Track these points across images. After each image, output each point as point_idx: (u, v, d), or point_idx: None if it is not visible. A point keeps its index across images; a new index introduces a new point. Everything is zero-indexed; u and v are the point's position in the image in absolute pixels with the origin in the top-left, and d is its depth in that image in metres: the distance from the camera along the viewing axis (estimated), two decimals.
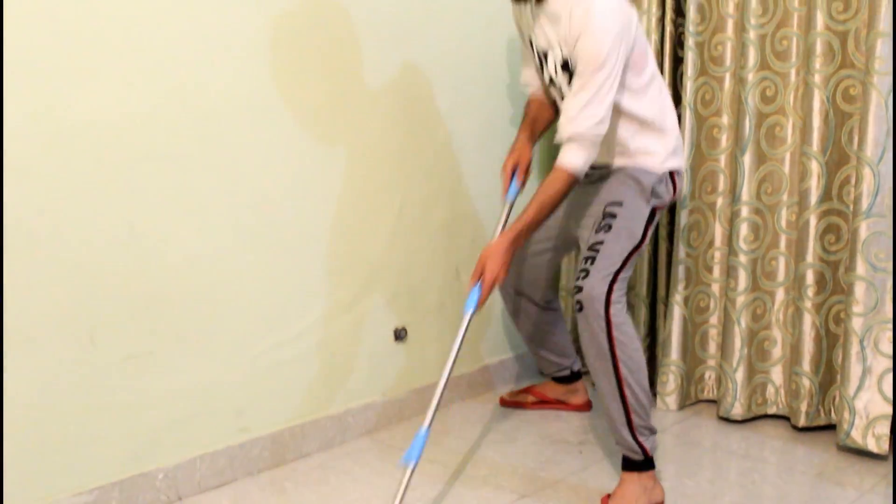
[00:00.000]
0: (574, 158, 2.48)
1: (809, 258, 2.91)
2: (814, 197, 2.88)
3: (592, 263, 2.51)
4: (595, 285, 2.45)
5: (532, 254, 2.97)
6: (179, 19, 2.38)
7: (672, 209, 3.25)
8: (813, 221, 2.89)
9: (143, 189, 2.37)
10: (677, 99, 3.21)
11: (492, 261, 2.50)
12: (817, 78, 2.83)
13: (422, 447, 2.35)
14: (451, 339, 2.54)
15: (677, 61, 3.21)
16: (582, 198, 2.74)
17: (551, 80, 2.68)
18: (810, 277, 2.92)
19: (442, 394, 2.46)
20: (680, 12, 3.19)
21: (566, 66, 2.57)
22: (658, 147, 2.66)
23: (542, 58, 2.66)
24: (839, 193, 2.87)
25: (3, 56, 2.06)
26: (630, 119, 2.63)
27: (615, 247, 2.53)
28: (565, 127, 2.49)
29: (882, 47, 2.66)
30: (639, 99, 2.61)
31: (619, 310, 2.48)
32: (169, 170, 2.41)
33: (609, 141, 2.63)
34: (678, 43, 3.21)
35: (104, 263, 2.31)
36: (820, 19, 2.80)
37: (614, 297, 2.46)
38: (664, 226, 3.28)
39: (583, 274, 2.50)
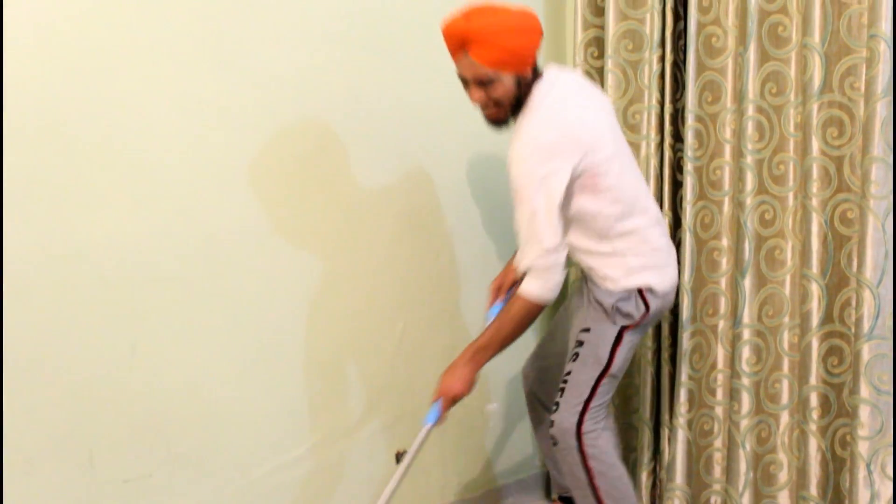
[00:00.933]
0: (530, 287, 2.46)
1: (813, 380, 2.90)
2: (815, 319, 2.89)
3: (562, 395, 2.52)
4: (565, 418, 2.46)
5: (549, 364, 2.91)
6: (185, 143, 2.43)
7: (674, 331, 3.25)
8: (815, 344, 2.89)
9: (146, 311, 2.38)
10: (677, 222, 3.24)
11: (448, 375, 2.52)
12: (815, 201, 2.87)
13: None
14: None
15: (677, 185, 3.26)
16: (570, 319, 2.75)
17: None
18: (814, 400, 2.90)
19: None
20: (678, 137, 3.25)
21: None
22: (613, 270, 2.57)
23: None
24: (840, 315, 2.88)
25: (5, 173, 2.09)
26: (580, 239, 2.58)
27: (582, 376, 2.53)
28: (518, 259, 2.48)
29: (877, 171, 2.70)
30: (593, 219, 2.54)
31: (592, 439, 2.46)
32: (172, 293, 2.43)
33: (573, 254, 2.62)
34: (677, 167, 3.26)
35: (105, 385, 2.30)
36: (815, 145, 2.86)
37: (585, 427, 2.45)
38: (666, 348, 3.28)
39: (554, 408, 2.52)
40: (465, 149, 3.20)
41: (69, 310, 2.23)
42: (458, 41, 2.41)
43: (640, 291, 2.59)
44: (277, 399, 2.69)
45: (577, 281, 2.91)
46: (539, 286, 2.45)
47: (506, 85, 2.45)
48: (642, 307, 2.60)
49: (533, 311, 2.49)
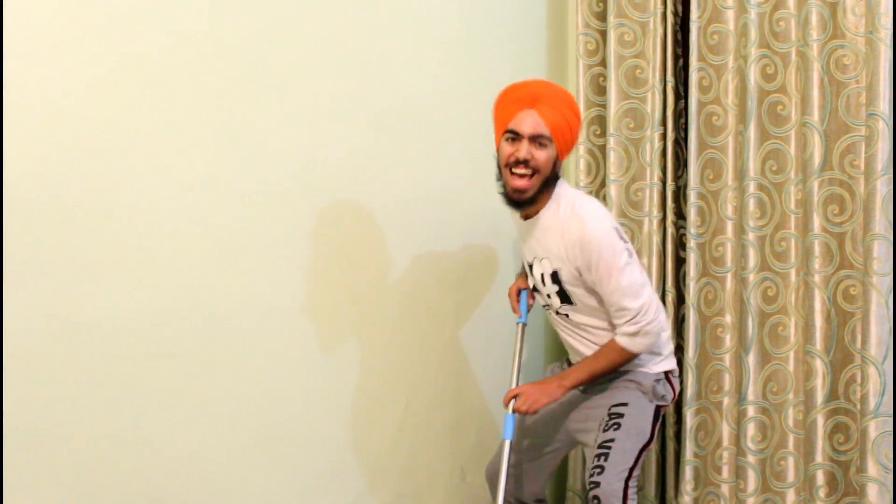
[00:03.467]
0: (635, 343, 2.56)
1: (819, 458, 2.88)
2: (820, 396, 2.88)
3: (606, 459, 2.49)
4: (612, 481, 2.44)
5: (533, 458, 2.87)
6: (189, 218, 2.44)
7: (678, 408, 3.23)
8: (820, 421, 2.88)
9: (149, 386, 2.37)
10: (681, 299, 3.25)
11: (534, 388, 2.60)
12: (817, 278, 2.88)
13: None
14: None
15: (679, 262, 3.27)
16: (582, 402, 2.73)
17: (535, 288, 2.75)
18: (821, 478, 2.88)
19: None
20: (681, 215, 3.27)
21: (555, 278, 2.62)
22: (649, 357, 2.68)
23: (529, 268, 2.74)
24: (846, 392, 2.87)
25: (7, 246, 2.10)
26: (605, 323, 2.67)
27: (627, 444, 2.53)
28: (620, 313, 2.55)
29: (879, 248, 2.72)
30: None
31: None
32: (175, 368, 2.42)
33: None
34: (680, 244, 3.27)
35: (108, 459, 2.28)
36: (817, 221, 2.88)
37: (630, 493, 2.45)
38: (671, 426, 3.26)
39: (598, 470, 2.48)
40: (469, 227, 3.22)
41: (71, 384, 2.22)
42: (531, 96, 2.55)
43: (666, 375, 2.69)
44: (279, 475, 2.66)
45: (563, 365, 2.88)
46: (643, 342, 2.56)
47: (550, 155, 2.55)
48: (670, 390, 2.70)
49: (627, 358, 2.59)
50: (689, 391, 3.16)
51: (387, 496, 2.96)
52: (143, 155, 2.35)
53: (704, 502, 3.15)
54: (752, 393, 3.02)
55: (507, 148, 2.56)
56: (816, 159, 2.87)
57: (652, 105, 3.26)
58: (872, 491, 2.73)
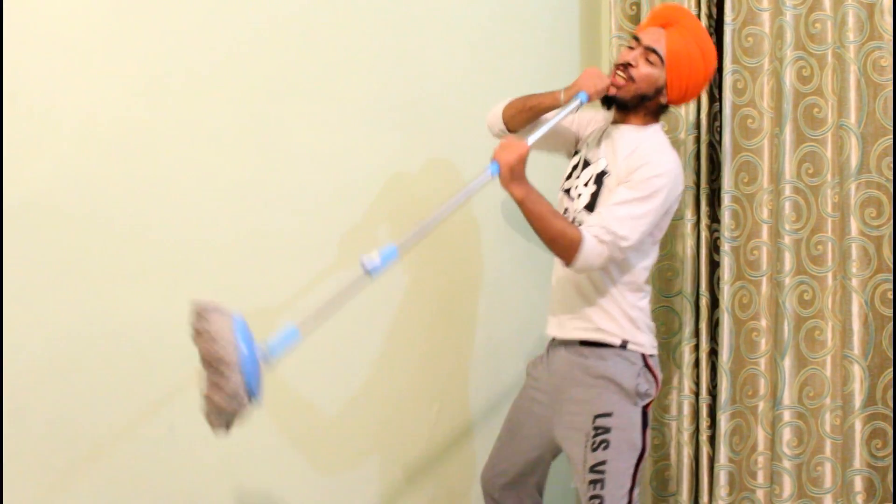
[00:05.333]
0: (589, 247, 2.40)
1: (857, 464, 2.84)
2: (857, 401, 2.85)
3: (603, 487, 2.43)
4: None
5: (524, 460, 2.73)
6: (222, 223, 2.47)
7: (713, 412, 3.21)
8: (858, 426, 2.84)
9: (185, 390, 2.38)
10: (714, 303, 3.23)
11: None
12: (854, 282, 2.85)
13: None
14: None
15: (713, 266, 3.25)
16: (564, 405, 2.60)
17: (568, 191, 2.68)
18: (859, 484, 2.84)
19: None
20: (715, 218, 3.25)
21: (599, 179, 2.58)
22: (640, 317, 2.62)
23: (580, 166, 2.67)
24: (883, 397, 2.84)
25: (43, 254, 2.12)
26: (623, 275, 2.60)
27: (620, 464, 2.45)
28: (605, 218, 2.44)
29: None
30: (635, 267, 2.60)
31: None
32: None
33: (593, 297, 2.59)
34: (714, 248, 3.25)
35: (143, 463, 2.30)
36: (854, 225, 2.85)
37: None
38: (705, 430, 3.24)
39: (596, 501, 2.43)
40: (501, 228, 3.22)
41: (108, 387, 2.24)
42: (668, 17, 2.63)
43: (646, 363, 2.59)
44: (312, 479, 2.67)
45: (546, 357, 2.74)
46: (594, 254, 2.41)
47: (654, 77, 2.59)
48: (652, 380, 2.60)
49: (564, 253, 2.42)
50: (724, 396, 3.14)
51: (421, 498, 2.96)
52: (178, 160, 2.37)
53: None
54: (787, 397, 2.99)
55: (624, 52, 2.64)
56: (853, 162, 2.84)
57: (686, 108, 3.24)
58: None
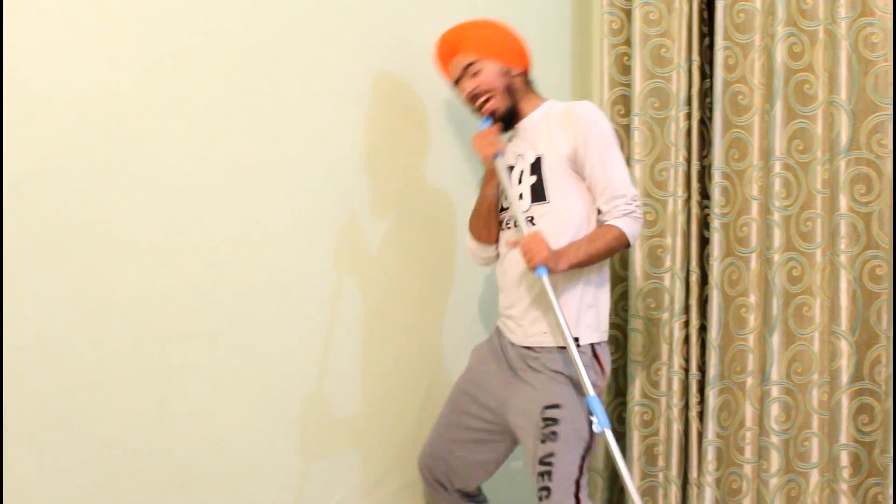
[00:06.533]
0: (629, 227, 2.52)
1: (843, 439, 2.87)
2: (845, 377, 2.86)
3: (550, 479, 2.42)
4: (562, 501, 2.39)
5: (469, 438, 2.74)
6: (214, 201, 2.46)
7: (702, 388, 3.23)
8: (845, 402, 2.86)
9: (174, 367, 2.39)
10: (704, 279, 3.24)
11: (546, 246, 2.45)
12: (843, 258, 2.86)
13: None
14: None
15: (704, 242, 3.26)
16: (519, 391, 2.60)
17: (502, 207, 2.69)
18: (845, 459, 2.86)
19: None
20: (705, 195, 3.26)
21: (535, 167, 2.59)
22: (594, 303, 2.61)
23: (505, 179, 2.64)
24: (870, 373, 2.86)
25: (31, 231, 2.12)
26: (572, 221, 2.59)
27: (568, 455, 2.44)
28: (615, 199, 2.52)
29: None
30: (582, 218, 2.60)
31: None
32: (200, 349, 2.44)
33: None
34: (704, 224, 3.26)
35: (133, 440, 2.30)
36: (843, 201, 2.86)
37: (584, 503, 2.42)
38: (694, 406, 3.25)
39: (544, 493, 2.42)
40: None
41: (97, 364, 2.24)
42: (450, 45, 2.73)
43: (594, 352, 2.57)
44: (304, 454, 2.68)
45: (492, 342, 2.77)
46: (636, 228, 2.55)
47: (491, 71, 2.66)
48: (600, 369, 2.58)
49: (622, 246, 2.55)
50: (713, 371, 3.15)
51: (410, 475, 2.98)
52: (170, 137, 2.36)
53: (727, 482, 3.15)
54: (776, 373, 3.01)
55: (462, 94, 2.71)
56: (843, 138, 2.85)
57: (677, 84, 3.25)
58: None
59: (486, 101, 2.65)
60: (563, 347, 2.51)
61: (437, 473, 2.78)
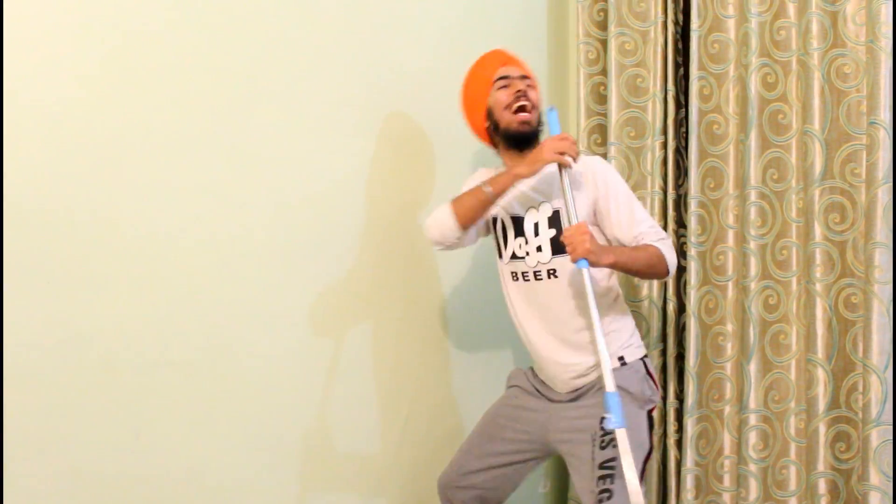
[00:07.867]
0: (669, 255, 2.54)
1: (821, 467, 2.87)
2: (822, 404, 2.87)
3: (612, 482, 2.43)
4: (626, 500, 2.36)
5: (502, 462, 2.74)
6: (189, 227, 2.45)
7: (680, 416, 3.23)
8: (822, 429, 2.87)
9: (150, 396, 2.37)
10: (681, 307, 3.25)
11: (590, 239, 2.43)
12: (819, 286, 2.87)
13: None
14: None
15: (680, 270, 3.27)
16: (566, 413, 2.62)
17: (514, 256, 2.64)
18: (823, 487, 2.87)
19: None
20: (682, 223, 3.28)
21: (554, 221, 2.58)
22: (624, 324, 2.65)
23: (509, 228, 2.64)
24: (847, 401, 2.87)
25: (8, 255, 2.11)
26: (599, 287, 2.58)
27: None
28: (643, 228, 2.55)
29: (880, 257, 2.72)
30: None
31: None
32: (176, 378, 2.42)
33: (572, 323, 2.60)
34: (681, 253, 3.27)
35: (108, 471, 2.28)
36: (818, 230, 2.88)
37: None
38: (672, 434, 3.26)
39: (605, 495, 2.43)
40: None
41: (72, 392, 2.22)
42: (510, 57, 2.72)
43: (647, 369, 2.63)
44: (280, 485, 2.66)
45: (528, 379, 2.77)
46: (673, 256, 2.56)
47: (539, 97, 2.68)
48: (655, 389, 2.64)
49: (661, 270, 2.55)
50: (690, 399, 3.16)
51: None
52: (144, 164, 2.35)
53: None
54: (753, 401, 3.02)
55: (502, 94, 2.64)
56: (817, 168, 2.87)
57: (653, 114, 3.27)
58: (874, 500, 2.72)
59: (525, 107, 2.62)
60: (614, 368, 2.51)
61: (456, 487, 2.77)
